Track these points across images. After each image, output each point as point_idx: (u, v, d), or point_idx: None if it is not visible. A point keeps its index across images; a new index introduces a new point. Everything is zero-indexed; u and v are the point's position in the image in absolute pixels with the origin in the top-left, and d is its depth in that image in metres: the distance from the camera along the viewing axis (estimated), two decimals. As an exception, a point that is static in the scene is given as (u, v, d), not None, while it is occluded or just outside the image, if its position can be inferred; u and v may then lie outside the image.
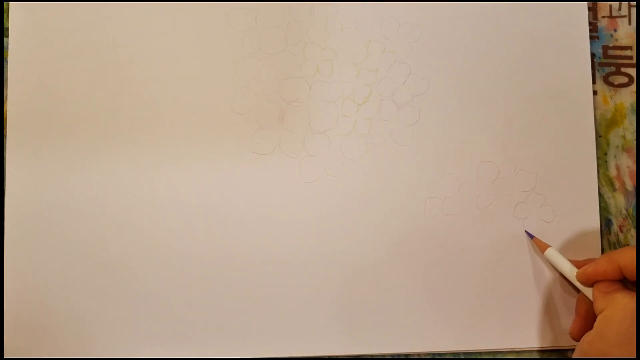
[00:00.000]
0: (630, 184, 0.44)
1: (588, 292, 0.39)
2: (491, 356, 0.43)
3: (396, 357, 0.43)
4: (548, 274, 0.43)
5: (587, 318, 0.40)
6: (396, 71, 0.44)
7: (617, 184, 0.44)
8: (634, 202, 0.44)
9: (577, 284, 0.40)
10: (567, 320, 0.43)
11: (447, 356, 0.43)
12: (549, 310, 0.43)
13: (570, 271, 0.41)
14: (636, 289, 0.37)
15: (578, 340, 0.39)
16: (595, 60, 0.45)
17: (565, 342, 0.43)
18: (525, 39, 0.44)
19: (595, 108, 0.45)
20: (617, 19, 0.45)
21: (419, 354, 0.43)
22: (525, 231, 0.43)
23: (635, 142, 0.45)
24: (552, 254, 0.42)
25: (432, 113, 0.44)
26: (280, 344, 0.42)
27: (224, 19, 0.43)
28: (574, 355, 0.38)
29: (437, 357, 0.43)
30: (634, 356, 0.35)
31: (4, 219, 0.42)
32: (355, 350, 0.42)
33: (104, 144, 0.42)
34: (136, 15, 0.43)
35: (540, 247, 0.42)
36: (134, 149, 0.42)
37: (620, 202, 0.44)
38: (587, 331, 0.38)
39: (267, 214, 0.42)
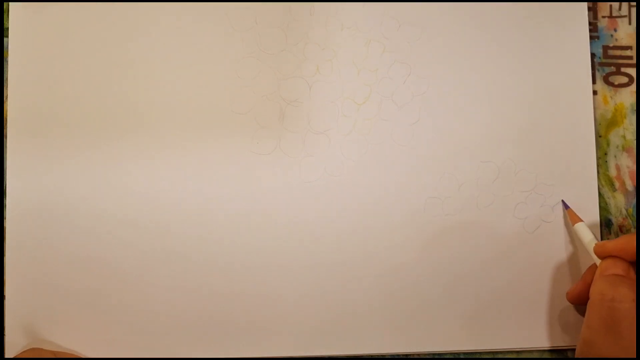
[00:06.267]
0: (630, 184, 0.44)
1: None
2: (491, 356, 0.43)
3: (396, 357, 0.43)
4: (548, 274, 0.43)
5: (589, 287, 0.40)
6: (396, 71, 0.44)
7: (617, 184, 0.44)
8: (634, 202, 0.44)
9: (594, 257, 0.40)
10: (567, 320, 0.43)
11: (447, 356, 0.43)
12: (548, 310, 0.43)
13: (590, 243, 0.41)
14: (636, 287, 0.37)
15: (571, 302, 0.42)
16: (595, 60, 0.45)
17: (565, 342, 0.43)
18: (525, 39, 0.44)
19: (595, 108, 0.45)
20: (617, 19, 0.45)
21: (419, 354, 0.43)
22: (562, 201, 0.43)
23: (635, 142, 0.45)
24: (580, 228, 0.42)
25: (432, 113, 0.44)
26: (277, 343, 0.42)
27: (224, 19, 0.43)
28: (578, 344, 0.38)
29: (437, 357, 0.43)
30: (615, 345, 0.35)
31: (4, 218, 0.42)
32: (355, 350, 0.42)
33: (103, 144, 0.42)
34: (136, 15, 0.43)
35: (572, 219, 0.42)
36: (134, 149, 0.42)
37: (620, 202, 0.44)
38: (583, 297, 0.40)
39: (267, 213, 0.42)
